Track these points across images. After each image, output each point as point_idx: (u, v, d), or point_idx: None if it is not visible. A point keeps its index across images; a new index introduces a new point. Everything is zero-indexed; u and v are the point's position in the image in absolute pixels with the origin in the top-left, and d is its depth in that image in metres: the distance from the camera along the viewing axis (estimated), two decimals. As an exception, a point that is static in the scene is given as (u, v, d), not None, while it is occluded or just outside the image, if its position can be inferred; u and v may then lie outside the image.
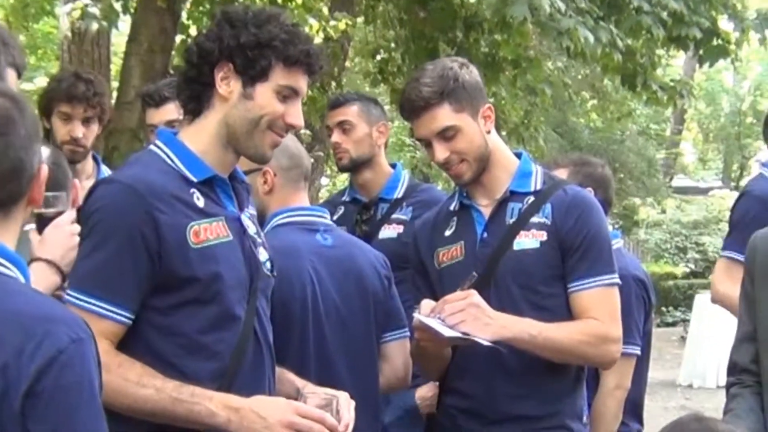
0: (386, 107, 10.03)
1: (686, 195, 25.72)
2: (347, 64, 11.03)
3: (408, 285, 3.33)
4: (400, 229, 4.05)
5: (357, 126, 4.13)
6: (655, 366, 7.78)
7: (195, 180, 2.51)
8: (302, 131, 8.30)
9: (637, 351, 3.79)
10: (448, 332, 2.84)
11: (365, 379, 3.13)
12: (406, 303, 3.26)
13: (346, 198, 4.28)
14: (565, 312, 3.05)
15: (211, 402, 2.38)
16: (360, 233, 3.96)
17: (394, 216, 4.10)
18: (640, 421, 4.04)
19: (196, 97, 2.57)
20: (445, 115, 3.03)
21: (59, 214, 2.53)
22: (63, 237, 2.51)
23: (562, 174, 3.69)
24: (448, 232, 3.18)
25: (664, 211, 23.74)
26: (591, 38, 7.23)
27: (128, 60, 7.18)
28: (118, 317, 2.41)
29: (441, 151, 3.05)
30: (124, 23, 7.76)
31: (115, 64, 9.35)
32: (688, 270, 20.81)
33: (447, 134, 3.04)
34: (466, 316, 2.87)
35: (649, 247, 22.27)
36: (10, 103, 1.78)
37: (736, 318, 4.33)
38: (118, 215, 2.42)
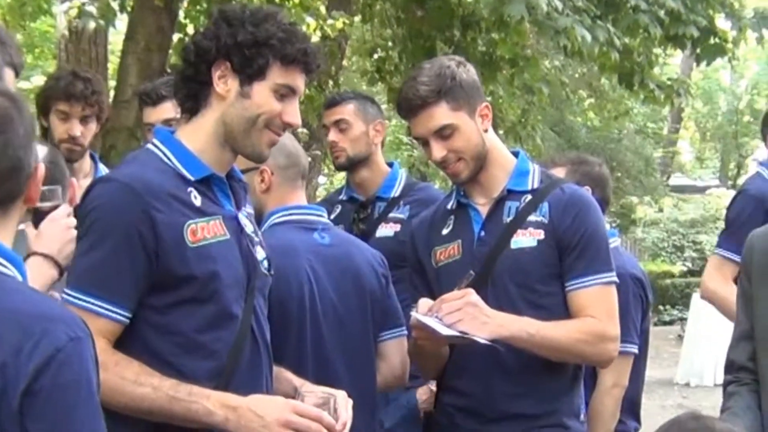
0: (383, 106, 10.03)
1: (683, 194, 25.74)
2: (344, 62, 11.03)
3: (405, 284, 3.33)
4: (397, 227, 4.05)
5: (353, 125, 4.13)
6: (653, 364, 7.79)
7: (192, 179, 2.51)
8: (299, 130, 8.29)
9: (635, 349, 3.80)
10: (445, 331, 2.84)
11: (363, 378, 3.13)
12: (403, 302, 3.26)
13: (343, 197, 4.28)
14: (563, 310, 3.05)
15: (209, 401, 2.38)
16: (357, 232, 3.96)
17: (391, 215, 4.10)
18: (638, 420, 4.04)
19: (193, 96, 2.57)
20: (442, 114, 3.03)
21: (55, 207, 2.53)
22: (59, 230, 2.50)
23: (559, 173, 3.69)
24: (445, 231, 3.18)
25: (661, 210, 23.76)
26: (588, 37, 7.23)
27: (125, 58, 7.17)
28: (116, 316, 2.40)
29: (438, 150, 3.05)
30: (121, 22, 7.75)
31: (113, 63, 9.36)
32: (685, 268, 20.83)
33: (444, 133, 3.04)
34: (464, 314, 2.87)
35: (646, 245, 22.29)
36: (9, 103, 1.79)
37: (723, 315, 4.40)
38: (115, 214, 2.42)
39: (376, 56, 9.54)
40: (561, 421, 3.09)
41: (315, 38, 7.21)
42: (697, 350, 12.98)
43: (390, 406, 3.78)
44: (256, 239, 2.65)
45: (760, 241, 3.01)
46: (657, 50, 9.39)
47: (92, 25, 6.66)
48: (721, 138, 30.72)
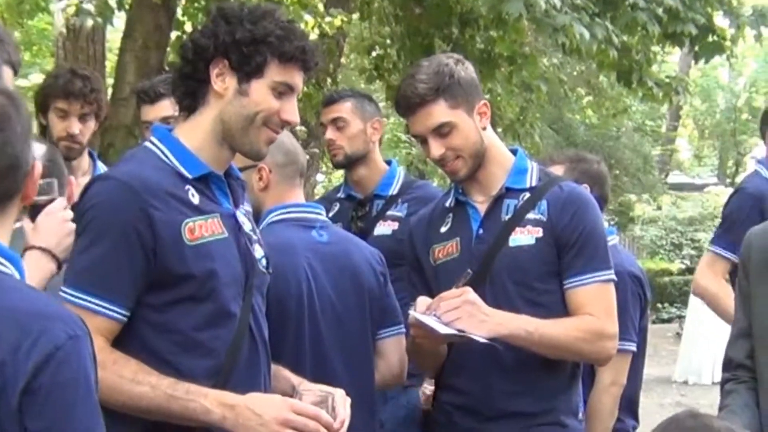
0: (381, 104, 10.03)
1: (682, 191, 25.75)
2: (342, 60, 11.03)
3: (403, 283, 3.33)
4: (395, 225, 4.04)
5: (351, 122, 4.13)
6: (651, 362, 7.79)
7: (190, 177, 2.51)
8: (298, 128, 8.29)
9: (633, 347, 3.79)
10: (443, 329, 2.84)
11: (361, 376, 3.13)
12: (402, 301, 3.25)
13: (341, 195, 4.27)
14: (561, 308, 3.05)
15: (206, 399, 2.38)
16: (355, 230, 3.96)
17: (389, 213, 4.09)
18: (636, 418, 4.04)
19: (191, 94, 2.57)
20: (440, 112, 3.03)
21: (51, 201, 2.53)
22: (56, 223, 2.50)
23: (558, 170, 3.69)
24: (443, 229, 3.18)
25: (659, 208, 23.76)
26: (586, 35, 7.23)
27: (123, 56, 7.17)
28: (113, 314, 2.40)
29: (436, 148, 3.05)
30: (119, 19, 7.75)
31: (110, 61, 9.35)
32: (683, 266, 20.82)
33: (442, 131, 3.04)
34: (462, 313, 2.87)
35: (644, 243, 22.29)
36: (7, 101, 1.79)
37: (714, 312, 4.44)
38: (113, 212, 2.41)
39: (374, 54, 9.54)
40: (559, 419, 3.09)
41: (313, 36, 7.20)
42: (695, 348, 12.99)
43: (389, 404, 3.78)
44: (255, 237, 2.65)
45: (758, 239, 3.01)
46: (655, 48, 9.38)
47: (90, 22, 6.66)
48: (719, 136, 30.74)
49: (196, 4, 7.70)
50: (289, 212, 3.15)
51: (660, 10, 7.95)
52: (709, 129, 31.62)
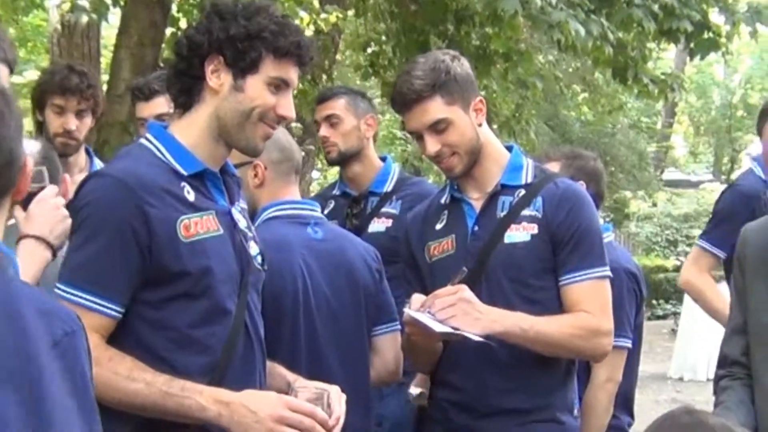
0: (377, 100, 10.02)
1: (677, 188, 25.78)
2: (338, 57, 11.02)
3: (397, 281, 3.33)
4: (389, 222, 4.05)
5: (344, 119, 4.13)
6: (646, 359, 7.79)
7: (185, 174, 2.51)
8: (293, 125, 8.29)
9: (629, 344, 3.80)
10: (438, 327, 2.83)
11: (356, 373, 3.13)
12: (397, 299, 3.25)
13: (336, 192, 4.27)
14: (557, 305, 3.05)
15: (202, 396, 2.38)
16: (350, 227, 3.95)
17: (383, 210, 4.09)
18: (631, 414, 4.04)
19: (186, 91, 2.56)
20: (436, 108, 3.02)
21: (42, 189, 2.52)
22: (49, 210, 2.50)
23: (554, 167, 3.69)
24: (439, 226, 3.18)
25: (655, 205, 23.79)
26: (582, 31, 7.23)
27: (118, 53, 7.15)
28: (109, 311, 2.40)
29: (432, 144, 3.05)
30: (114, 16, 7.74)
31: (105, 57, 9.32)
32: (678, 263, 20.75)
33: (438, 127, 3.03)
34: (456, 311, 2.86)
35: (639, 240, 22.32)
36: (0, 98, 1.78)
37: (699, 306, 4.49)
38: (108, 209, 2.41)
39: (369, 50, 9.54)
40: (554, 415, 3.09)
41: (308, 32, 7.20)
42: (691, 345, 13.00)
43: (386, 401, 3.78)
44: (250, 234, 2.65)
45: (753, 235, 3.01)
46: (651, 45, 9.39)
47: (85, 19, 6.64)
48: (714, 132, 30.76)
49: (191, 1, 7.70)
50: (284, 209, 3.14)
51: (655, 7, 7.96)
52: (704, 126, 31.64)
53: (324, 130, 4.17)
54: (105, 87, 6.95)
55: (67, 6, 6.68)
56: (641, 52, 8.81)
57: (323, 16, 7.68)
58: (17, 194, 1.84)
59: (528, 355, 3.00)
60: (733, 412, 2.80)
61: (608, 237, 3.71)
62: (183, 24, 7.55)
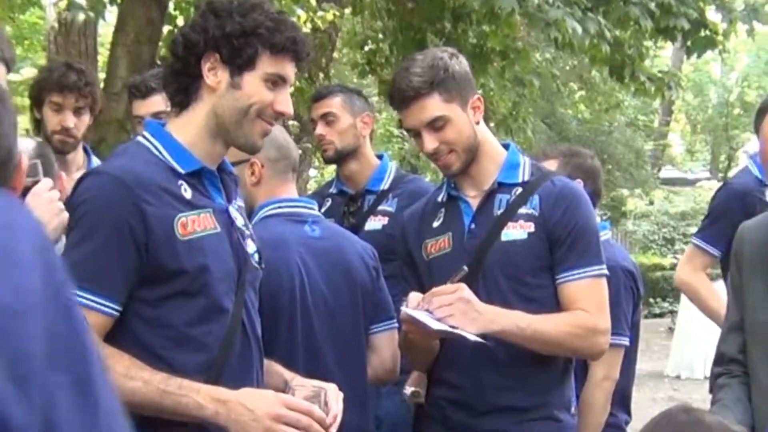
0: (374, 98, 10.01)
1: (674, 186, 25.80)
2: (335, 55, 11.02)
3: (394, 280, 3.33)
4: (385, 220, 4.05)
5: (341, 117, 4.14)
6: (643, 357, 7.80)
7: (183, 172, 2.51)
8: (290, 122, 8.29)
9: (626, 342, 3.80)
10: (435, 325, 2.83)
11: (354, 371, 3.13)
12: (395, 297, 3.25)
13: (333, 190, 4.28)
14: (554, 303, 3.05)
15: (199, 394, 2.38)
16: (347, 225, 3.95)
17: (379, 208, 4.10)
18: (629, 412, 4.04)
19: (183, 90, 2.56)
20: (434, 105, 3.02)
21: (36, 183, 2.52)
22: (43, 204, 2.49)
23: (551, 165, 3.69)
24: (436, 224, 3.18)
25: (651, 203, 23.79)
26: (579, 29, 7.23)
27: (115, 51, 7.14)
28: (106, 309, 2.40)
29: (430, 142, 3.04)
30: (111, 14, 7.72)
31: (102, 55, 9.33)
32: (675, 261, 20.73)
33: (436, 124, 3.03)
34: (454, 310, 2.86)
35: (636, 238, 22.32)
36: None
37: (693, 304, 4.51)
38: (105, 207, 2.41)
39: (366, 48, 9.54)
40: (552, 413, 3.09)
41: (305, 30, 7.19)
42: (688, 343, 13.00)
43: (384, 401, 3.78)
44: (247, 232, 2.64)
45: (750, 232, 3.01)
46: (648, 43, 9.39)
47: (82, 16, 6.63)
48: (711, 130, 30.76)
49: (187, -1, 7.69)
50: (281, 207, 3.14)
51: (652, 5, 7.96)
52: (701, 124, 31.64)
53: (320, 129, 4.17)
54: (102, 85, 6.94)
55: (64, 4, 6.67)
56: (638, 50, 8.81)
57: (320, 13, 7.67)
58: (13, 191, 1.84)
59: (525, 353, 3.00)
60: (730, 410, 2.80)
61: (605, 235, 3.71)
62: (180, 22, 7.54)
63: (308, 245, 3.11)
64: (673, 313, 16.99)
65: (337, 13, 8.00)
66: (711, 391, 3.02)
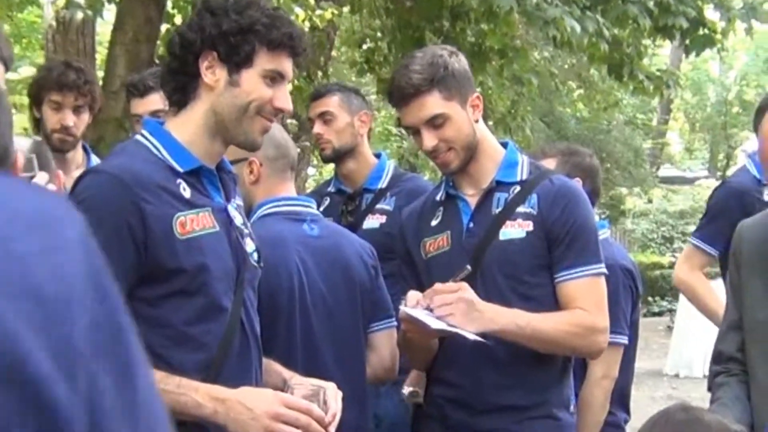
0: (372, 97, 10.00)
1: (673, 185, 25.80)
2: (333, 53, 11.02)
3: (393, 279, 3.33)
4: (383, 219, 4.04)
5: (338, 116, 4.13)
6: (642, 356, 7.80)
7: (181, 170, 2.50)
8: (288, 121, 8.29)
9: (625, 340, 3.80)
10: (434, 324, 2.83)
11: (352, 370, 3.13)
12: (393, 296, 3.25)
13: (331, 189, 4.27)
14: (552, 301, 3.05)
15: (197, 393, 2.38)
16: (345, 224, 3.95)
17: (377, 206, 4.09)
18: (627, 411, 4.04)
19: (181, 89, 2.56)
20: (434, 103, 3.02)
21: (32, 177, 2.52)
22: None
23: (550, 164, 3.69)
24: (434, 222, 3.18)
25: (650, 201, 23.79)
26: (577, 28, 7.22)
27: (113, 49, 7.14)
28: (104, 308, 2.39)
29: (429, 139, 3.04)
30: (109, 12, 7.72)
31: (100, 54, 9.32)
32: (674, 260, 20.74)
33: (436, 122, 3.03)
34: (455, 309, 2.86)
35: (635, 237, 22.32)
36: None
37: (691, 304, 4.51)
38: (104, 206, 2.40)
39: (365, 47, 9.53)
40: (550, 412, 3.09)
41: (304, 29, 7.18)
42: (687, 341, 13.00)
43: (383, 400, 3.78)
44: (246, 231, 2.64)
45: (749, 231, 3.01)
46: (646, 41, 9.39)
47: (80, 15, 6.64)
48: (710, 129, 30.76)
49: (186, -3, 7.69)
50: (279, 206, 3.14)
51: (651, 3, 7.95)
52: (699, 122, 31.63)
53: (318, 128, 4.17)
54: (100, 83, 6.94)
55: (62, 2, 6.67)
56: (637, 48, 8.81)
57: (318, 12, 7.67)
58: None
59: (524, 351, 3.00)
60: (729, 408, 2.80)
61: (604, 234, 3.71)
62: (178, 20, 7.54)
63: (307, 244, 3.11)
64: (671, 311, 16.98)
65: (336, 12, 8.00)
66: (710, 389, 3.02)
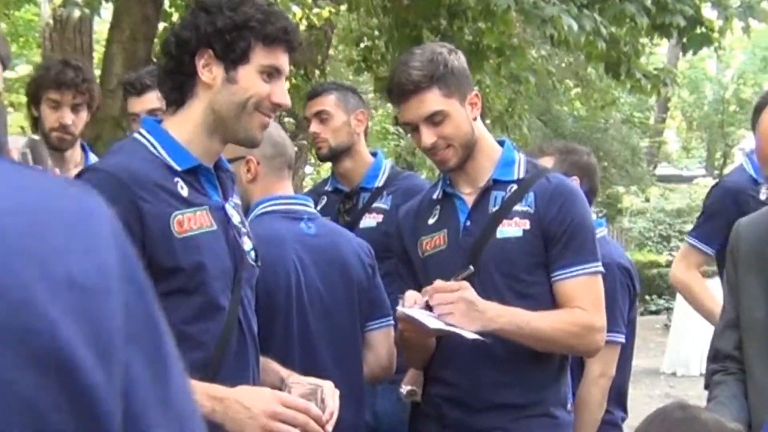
0: (370, 95, 10.00)
1: (670, 183, 25.80)
2: (331, 52, 11.01)
3: (390, 277, 3.33)
4: (380, 218, 4.04)
5: (335, 115, 4.13)
6: (639, 354, 7.80)
7: (179, 169, 2.50)
8: (285, 119, 8.28)
9: (622, 339, 3.80)
10: (432, 324, 2.83)
11: (350, 368, 3.12)
12: (391, 296, 3.25)
13: (328, 188, 4.27)
14: (549, 300, 3.05)
15: (195, 392, 2.37)
16: (342, 223, 3.95)
17: (374, 205, 4.09)
18: (625, 409, 4.05)
19: (178, 88, 2.56)
20: (434, 100, 3.01)
21: None
22: None
23: (547, 162, 3.69)
24: (431, 221, 3.18)
25: (647, 200, 23.79)
26: (575, 26, 7.22)
27: (110, 48, 7.13)
28: (102, 307, 2.39)
29: (428, 136, 3.04)
30: (107, 11, 7.71)
31: (98, 52, 9.31)
32: (671, 258, 20.73)
33: (435, 119, 3.02)
34: (455, 309, 2.86)
35: (632, 235, 22.32)
36: None
37: (687, 302, 4.52)
38: (101, 204, 2.40)
39: (362, 45, 9.53)
40: (548, 410, 3.09)
41: (301, 28, 7.19)
42: (684, 340, 13.01)
43: (381, 399, 3.78)
44: (243, 230, 2.64)
45: (746, 229, 3.01)
46: (643, 40, 9.38)
47: (77, 13, 6.64)
48: (707, 128, 30.76)
49: (183, -4, 7.68)
50: (277, 204, 3.14)
51: (648, 2, 7.95)
52: (697, 121, 31.64)
53: (314, 127, 4.16)
54: (97, 82, 6.93)
55: (59, 0, 6.66)
56: (634, 47, 8.80)
57: (316, 11, 7.67)
58: None
59: (522, 350, 3.00)
60: (726, 406, 2.80)
61: (601, 232, 3.71)
62: (175, 18, 7.53)
63: (304, 242, 3.11)
64: (669, 310, 16.98)
65: (333, 10, 8.00)
66: (707, 387, 3.02)
